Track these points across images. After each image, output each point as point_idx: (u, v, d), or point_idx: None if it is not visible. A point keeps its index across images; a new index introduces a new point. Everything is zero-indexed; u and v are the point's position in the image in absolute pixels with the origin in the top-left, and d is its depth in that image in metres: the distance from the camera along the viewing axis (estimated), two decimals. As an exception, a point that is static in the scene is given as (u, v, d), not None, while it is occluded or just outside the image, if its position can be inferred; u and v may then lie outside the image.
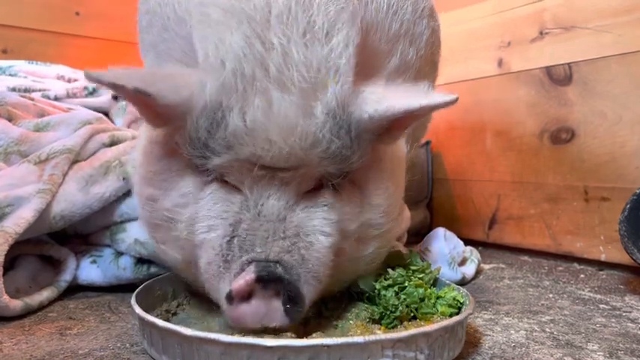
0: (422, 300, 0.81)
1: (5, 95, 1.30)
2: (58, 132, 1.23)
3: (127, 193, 1.16)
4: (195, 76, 0.72)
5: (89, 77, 0.66)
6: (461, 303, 0.82)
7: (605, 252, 1.44)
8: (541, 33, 1.61)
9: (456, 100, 0.71)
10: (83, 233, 1.19)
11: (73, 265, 1.11)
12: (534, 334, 0.88)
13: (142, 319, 0.73)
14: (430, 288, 0.84)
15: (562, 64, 1.55)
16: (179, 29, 0.86)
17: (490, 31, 1.77)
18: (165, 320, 0.71)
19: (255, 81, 0.68)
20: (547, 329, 0.91)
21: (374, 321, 0.80)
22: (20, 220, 0.99)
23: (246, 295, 0.67)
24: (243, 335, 0.67)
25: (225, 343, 0.63)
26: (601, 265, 1.45)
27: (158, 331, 0.70)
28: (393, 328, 0.78)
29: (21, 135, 1.18)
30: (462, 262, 1.28)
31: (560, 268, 1.45)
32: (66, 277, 1.09)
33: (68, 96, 1.52)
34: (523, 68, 1.66)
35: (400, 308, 0.78)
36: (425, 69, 1.06)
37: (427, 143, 1.95)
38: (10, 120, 1.23)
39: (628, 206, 1.16)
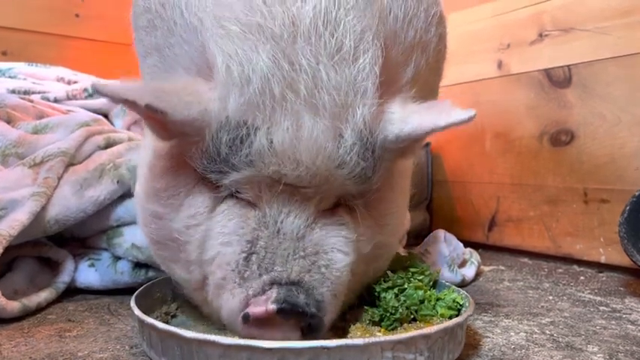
0: (422, 302, 0.80)
1: (5, 97, 1.30)
2: (56, 134, 1.23)
3: (123, 197, 1.15)
4: (211, 90, 0.70)
5: (99, 91, 0.66)
6: (461, 305, 0.81)
7: (604, 254, 1.44)
8: (540, 35, 1.61)
9: (474, 116, 0.71)
10: (80, 237, 1.19)
11: (71, 267, 1.11)
12: (534, 336, 0.88)
13: (141, 321, 0.73)
14: (430, 290, 0.83)
15: (561, 67, 1.55)
16: (187, 36, 0.83)
17: (490, 33, 1.77)
18: (164, 323, 0.71)
19: (286, 102, 0.67)
20: (547, 331, 0.91)
21: (374, 323, 0.79)
22: (14, 222, 0.98)
23: (266, 322, 0.65)
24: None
25: (225, 345, 0.63)
26: (601, 267, 1.45)
27: (157, 333, 0.70)
28: (392, 330, 0.77)
29: (19, 137, 1.17)
30: (462, 264, 1.28)
31: (560, 270, 1.45)
32: (64, 278, 1.09)
33: (68, 98, 1.52)
34: (522, 70, 1.66)
35: (400, 310, 0.78)
36: (432, 76, 1.04)
37: (427, 145, 1.95)
38: (8, 122, 1.23)
39: (627, 208, 1.16)
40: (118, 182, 1.13)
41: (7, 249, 0.95)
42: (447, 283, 0.91)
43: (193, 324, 0.85)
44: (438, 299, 0.82)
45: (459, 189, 1.90)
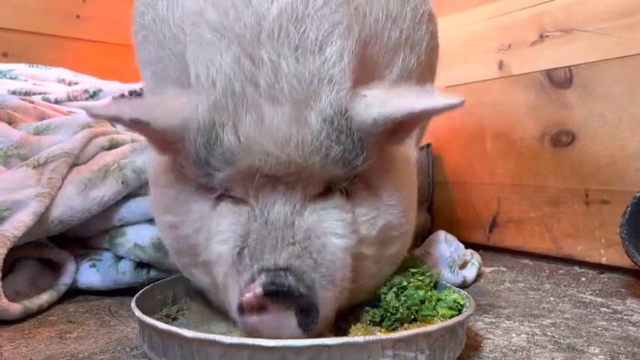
0: (422, 302, 0.80)
1: (5, 98, 1.30)
2: (59, 135, 1.23)
3: (127, 197, 1.16)
4: (187, 98, 0.74)
5: (90, 114, 0.70)
6: (461, 305, 0.81)
7: (606, 255, 1.44)
8: (541, 36, 1.61)
9: (463, 103, 0.71)
10: (83, 237, 1.19)
11: (73, 269, 1.11)
12: (535, 337, 0.88)
13: (141, 322, 0.73)
14: (431, 290, 0.83)
15: (562, 67, 1.55)
16: (174, 48, 0.86)
17: (490, 34, 1.77)
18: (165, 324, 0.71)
19: (246, 97, 0.69)
20: (548, 333, 0.91)
21: (374, 323, 0.79)
22: (19, 223, 0.98)
23: (258, 307, 0.65)
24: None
25: (226, 345, 0.63)
26: (602, 268, 1.45)
27: (158, 334, 0.70)
28: (393, 330, 0.77)
29: (21, 138, 1.18)
30: (463, 265, 1.28)
31: (561, 271, 1.45)
32: (65, 280, 1.09)
33: (69, 99, 1.52)
34: (523, 71, 1.66)
35: (401, 310, 0.78)
36: (425, 74, 1.05)
37: (428, 146, 1.94)
38: (10, 123, 1.23)
39: (629, 209, 1.15)
40: (122, 183, 1.13)
41: (9, 250, 0.95)
42: (448, 284, 0.91)
43: (194, 326, 0.85)
44: (438, 300, 0.82)
45: (460, 190, 1.90)
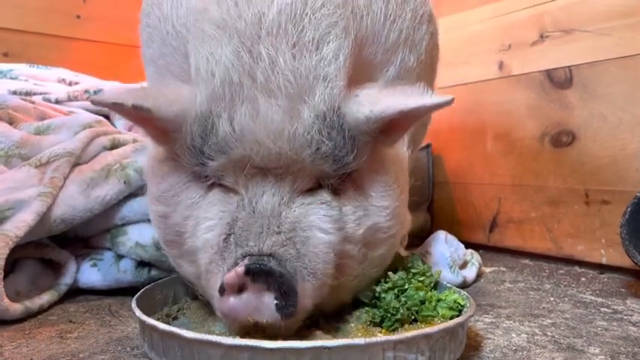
0: (422, 303, 0.81)
1: (6, 98, 1.30)
2: (59, 135, 1.23)
3: (128, 197, 1.16)
4: (187, 89, 0.76)
5: (94, 102, 0.72)
6: (462, 306, 0.82)
7: (606, 255, 1.44)
8: (541, 36, 1.61)
9: (452, 101, 0.72)
10: (84, 236, 1.19)
11: (74, 269, 1.11)
12: (535, 337, 0.88)
13: (142, 322, 0.73)
14: (431, 291, 0.84)
15: (562, 67, 1.55)
16: (177, 44, 0.89)
17: (491, 34, 1.77)
18: (165, 324, 0.71)
19: (243, 89, 0.71)
20: (548, 333, 0.91)
21: (375, 324, 0.79)
22: (21, 223, 0.98)
23: (238, 288, 0.67)
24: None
25: (226, 346, 0.63)
26: (602, 268, 1.45)
27: (158, 334, 0.70)
28: (393, 330, 0.77)
29: (22, 138, 1.18)
30: (463, 265, 1.28)
31: (561, 272, 1.45)
32: (66, 280, 1.09)
33: (69, 99, 1.52)
34: (524, 71, 1.66)
35: (401, 311, 0.78)
36: (425, 73, 1.06)
37: (428, 146, 1.95)
38: (10, 123, 1.23)
39: (629, 209, 1.16)
40: (124, 183, 1.14)
41: (10, 250, 0.95)
42: (448, 285, 0.91)
43: (194, 326, 0.85)
44: (438, 300, 0.82)
45: (460, 190, 1.90)
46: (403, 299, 0.80)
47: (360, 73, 0.82)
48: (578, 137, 1.52)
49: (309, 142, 0.71)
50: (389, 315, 0.78)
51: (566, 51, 1.53)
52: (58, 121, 1.27)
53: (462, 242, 1.34)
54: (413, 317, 0.80)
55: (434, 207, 1.99)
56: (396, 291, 0.81)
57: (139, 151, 1.22)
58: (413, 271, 0.86)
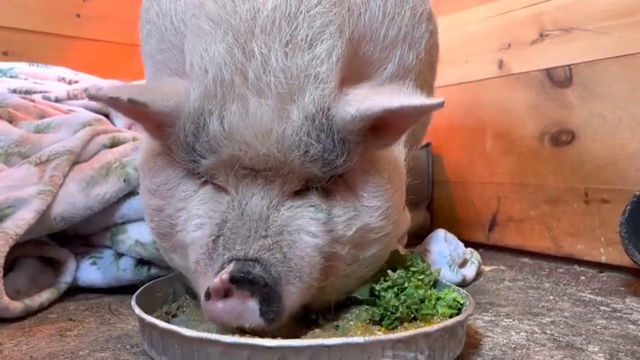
0: (422, 301, 0.80)
1: (6, 97, 1.30)
2: (59, 133, 1.23)
3: (128, 195, 1.16)
4: (182, 84, 0.76)
5: (89, 96, 0.71)
6: (461, 304, 0.82)
7: (605, 254, 1.44)
8: (541, 35, 1.61)
9: (442, 103, 0.71)
10: (83, 234, 1.19)
11: (73, 267, 1.11)
12: (535, 335, 0.88)
13: (142, 320, 0.73)
14: (430, 289, 0.84)
15: (562, 66, 1.55)
16: (175, 40, 0.89)
17: (490, 33, 1.77)
18: (165, 322, 0.71)
19: (234, 87, 0.71)
20: (548, 331, 0.91)
21: (374, 322, 0.79)
22: (21, 221, 0.98)
23: (224, 293, 0.67)
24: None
25: (225, 344, 0.63)
26: (601, 267, 1.45)
27: (158, 332, 0.70)
28: (393, 329, 0.77)
29: (21, 136, 1.18)
30: (463, 264, 1.28)
31: (561, 270, 1.45)
32: (66, 278, 1.09)
33: (69, 98, 1.52)
34: (523, 70, 1.66)
35: (400, 309, 0.78)
36: (424, 72, 1.06)
37: (428, 145, 1.95)
38: (10, 122, 1.23)
39: (628, 208, 1.16)
40: (124, 181, 1.14)
41: (10, 248, 0.95)
42: (448, 283, 0.91)
43: (194, 323, 0.85)
44: (438, 298, 0.82)
45: (460, 189, 1.90)
46: (403, 297, 0.80)
47: (356, 71, 0.82)
48: (577, 136, 1.52)
49: (298, 145, 0.71)
50: (388, 313, 0.78)
51: (566, 50, 1.53)
52: (58, 119, 1.27)
53: (462, 241, 1.34)
54: (412, 315, 0.79)
55: (433, 206, 1.99)
56: (395, 289, 0.81)
57: (139, 149, 1.22)
58: (412, 269, 0.86)
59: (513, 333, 0.89)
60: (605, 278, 1.35)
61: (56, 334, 0.87)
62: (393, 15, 0.91)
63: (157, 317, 0.79)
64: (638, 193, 1.15)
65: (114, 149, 1.22)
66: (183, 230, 0.78)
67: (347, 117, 0.72)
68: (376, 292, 0.82)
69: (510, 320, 0.97)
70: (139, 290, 0.86)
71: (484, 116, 1.80)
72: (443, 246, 1.26)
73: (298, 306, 0.73)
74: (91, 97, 0.71)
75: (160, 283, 0.94)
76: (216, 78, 0.71)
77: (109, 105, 0.74)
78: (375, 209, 0.80)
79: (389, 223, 0.82)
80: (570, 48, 1.52)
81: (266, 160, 0.71)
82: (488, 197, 1.79)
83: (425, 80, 1.09)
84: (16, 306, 0.93)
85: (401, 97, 0.73)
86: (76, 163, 1.15)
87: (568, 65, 1.53)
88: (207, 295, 0.68)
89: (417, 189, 1.86)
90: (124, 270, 1.13)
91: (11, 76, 1.63)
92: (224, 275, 0.66)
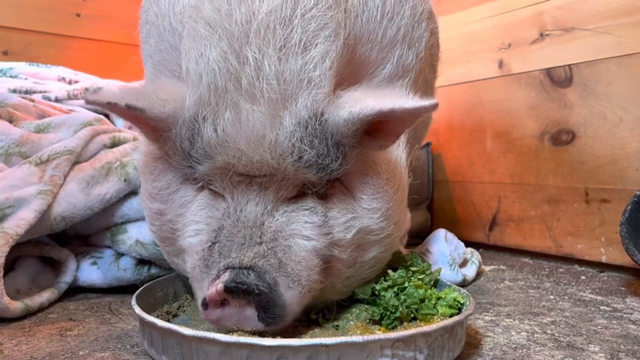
0: (422, 301, 0.80)
1: (6, 97, 1.30)
2: (59, 133, 1.23)
3: (128, 195, 1.16)
4: (179, 89, 0.76)
5: (88, 100, 0.71)
6: (461, 304, 0.82)
7: (605, 254, 1.44)
8: (541, 35, 1.61)
9: (436, 105, 0.70)
10: (84, 234, 1.19)
11: (74, 267, 1.11)
12: (535, 335, 0.88)
13: (141, 320, 0.73)
14: (431, 289, 0.84)
15: (562, 66, 1.55)
16: (172, 40, 0.89)
17: (490, 33, 1.77)
18: (165, 321, 0.71)
19: (227, 94, 0.71)
20: (548, 331, 0.91)
21: (374, 322, 0.79)
22: (21, 221, 0.99)
23: (220, 302, 0.68)
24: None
25: (224, 343, 0.63)
26: (602, 266, 1.45)
27: (158, 332, 0.70)
28: (393, 328, 0.77)
29: (22, 136, 1.18)
30: (463, 264, 1.28)
31: (561, 270, 1.45)
32: (66, 278, 1.09)
33: (69, 97, 1.52)
34: (523, 70, 1.66)
35: (400, 309, 0.78)
36: (425, 72, 1.06)
37: (428, 145, 1.95)
38: (10, 121, 1.23)
39: (629, 208, 1.16)
40: (124, 180, 1.14)
41: (11, 248, 0.95)
42: (448, 283, 0.91)
43: (195, 323, 0.85)
44: (438, 298, 0.82)
45: (460, 189, 1.90)
46: (403, 297, 0.80)
47: (353, 72, 0.82)
48: (577, 136, 1.52)
49: (291, 151, 0.71)
50: (388, 313, 0.78)
51: (566, 50, 1.53)
52: (58, 119, 1.27)
53: (462, 241, 1.34)
54: (412, 315, 0.79)
55: (434, 205, 1.99)
56: (395, 289, 0.81)
57: (139, 150, 1.22)
58: (413, 269, 0.86)
59: (514, 333, 0.89)
60: (605, 278, 1.35)
61: (56, 333, 0.87)
62: (392, 15, 0.90)
63: (158, 317, 0.80)
64: (638, 193, 1.15)
65: (114, 149, 1.22)
66: (182, 236, 0.79)
67: (340, 121, 0.72)
68: (376, 292, 0.82)
69: (511, 320, 0.97)
70: (139, 290, 0.86)
71: (484, 116, 1.80)
72: (443, 246, 1.26)
73: (300, 309, 0.73)
74: (89, 102, 0.71)
75: (161, 283, 0.94)
76: (210, 84, 0.71)
77: (107, 109, 0.74)
78: (374, 211, 0.79)
79: (389, 224, 0.82)
80: (571, 48, 1.52)
81: (260, 166, 0.71)
82: (488, 197, 1.79)
83: (426, 80, 1.08)
84: (16, 306, 0.93)
85: (394, 99, 0.72)
86: (76, 162, 1.15)
87: (568, 65, 1.53)
88: (204, 305, 0.69)
89: (418, 189, 1.87)
90: (125, 270, 1.13)
91: (11, 76, 1.63)
92: (219, 285, 0.67)
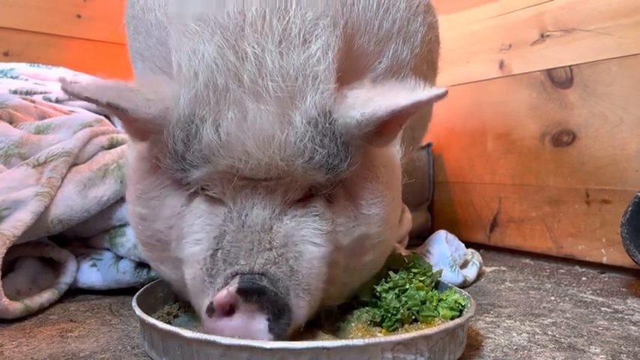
0: (423, 303, 0.80)
1: (6, 98, 1.30)
2: (59, 134, 1.23)
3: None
4: (169, 87, 0.71)
5: (67, 91, 0.66)
6: (462, 306, 0.81)
7: (606, 255, 1.44)
8: (542, 35, 1.61)
9: (446, 93, 0.66)
10: (83, 237, 1.19)
11: (74, 268, 1.11)
12: (536, 337, 0.88)
13: (142, 321, 0.73)
14: (432, 291, 0.83)
15: (563, 67, 1.55)
16: (160, 35, 0.85)
17: (491, 33, 1.77)
18: (166, 323, 0.71)
19: (229, 92, 0.67)
20: (549, 332, 0.91)
21: (375, 324, 0.79)
22: (18, 222, 0.98)
23: (228, 309, 0.64)
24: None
25: (225, 345, 0.63)
26: (603, 267, 1.45)
27: (158, 333, 0.70)
28: (394, 330, 0.77)
29: (21, 137, 1.17)
30: (464, 265, 1.28)
31: (562, 271, 1.45)
32: (66, 279, 1.09)
33: (70, 98, 1.52)
34: (524, 71, 1.66)
35: (401, 311, 0.78)
36: (422, 68, 1.02)
37: (428, 145, 1.95)
38: (11, 122, 1.23)
39: (629, 209, 1.15)
40: (121, 182, 1.13)
41: (9, 249, 0.95)
42: (449, 284, 0.91)
43: (195, 324, 0.85)
44: (439, 300, 0.82)
45: (461, 190, 1.90)
46: (404, 299, 0.79)
47: (351, 66, 0.79)
48: (578, 137, 1.52)
49: (302, 151, 0.67)
50: (389, 315, 0.78)
51: (567, 50, 1.53)
52: (59, 120, 1.27)
53: (463, 242, 1.34)
54: (413, 317, 0.79)
55: (434, 207, 1.99)
56: (396, 291, 0.81)
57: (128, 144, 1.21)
58: (414, 270, 0.86)
59: (515, 334, 0.89)
60: (606, 279, 1.35)
61: (57, 335, 0.86)
62: (387, 6, 0.87)
63: (158, 318, 0.79)
64: (639, 194, 1.15)
65: (112, 150, 1.22)
66: (178, 248, 0.74)
67: (352, 122, 0.68)
68: (377, 294, 0.82)
69: (512, 321, 0.96)
70: (140, 291, 0.86)
71: (485, 117, 1.80)
72: (444, 247, 1.26)
73: (306, 319, 0.70)
74: (68, 93, 0.66)
75: (161, 284, 0.93)
76: (207, 82, 0.67)
77: (88, 102, 0.70)
78: (373, 217, 0.77)
79: (386, 229, 0.80)
80: (571, 48, 1.52)
81: (268, 169, 0.67)
82: (489, 198, 1.79)
83: (425, 77, 1.04)
84: (16, 307, 0.93)
85: (405, 94, 0.68)
86: (74, 164, 1.15)
87: (569, 66, 1.53)
88: (210, 311, 0.64)
89: (418, 190, 1.87)
90: (124, 272, 1.12)
91: (12, 77, 1.63)
92: (231, 287, 0.63)
